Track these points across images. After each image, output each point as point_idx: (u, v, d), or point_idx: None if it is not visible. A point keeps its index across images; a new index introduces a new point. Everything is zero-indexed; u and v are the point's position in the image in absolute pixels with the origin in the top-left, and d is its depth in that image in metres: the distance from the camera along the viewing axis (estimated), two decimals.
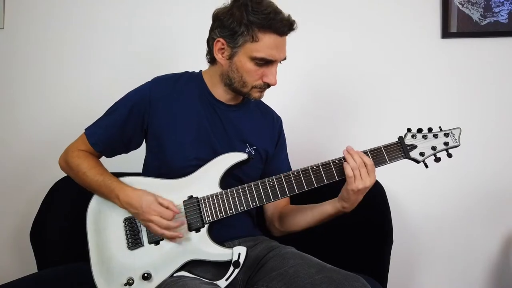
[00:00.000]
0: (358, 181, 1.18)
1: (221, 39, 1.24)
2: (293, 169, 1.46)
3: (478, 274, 1.85)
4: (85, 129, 1.33)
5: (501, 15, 1.79)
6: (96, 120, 1.34)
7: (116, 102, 1.33)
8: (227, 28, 1.21)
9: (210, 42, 1.29)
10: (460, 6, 1.81)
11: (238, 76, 1.25)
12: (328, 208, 1.29)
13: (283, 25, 1.20)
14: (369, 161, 1.19)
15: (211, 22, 1.28)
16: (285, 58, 1.27)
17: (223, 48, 1.24)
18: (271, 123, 1.45)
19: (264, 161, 1.41)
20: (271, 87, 1.28)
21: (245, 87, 1.26)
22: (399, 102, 1.86)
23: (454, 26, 1.81)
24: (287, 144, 1.51)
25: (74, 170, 1.30)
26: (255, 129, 1.38)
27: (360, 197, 1.23)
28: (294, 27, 1.23)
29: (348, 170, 1.18)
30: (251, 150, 1.35)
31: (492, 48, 1.81)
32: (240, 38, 1.20)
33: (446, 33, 1.82)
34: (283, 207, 1.42)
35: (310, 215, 1.33)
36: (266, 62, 1.22)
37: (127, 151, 1.38)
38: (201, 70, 1.39)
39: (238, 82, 1.26)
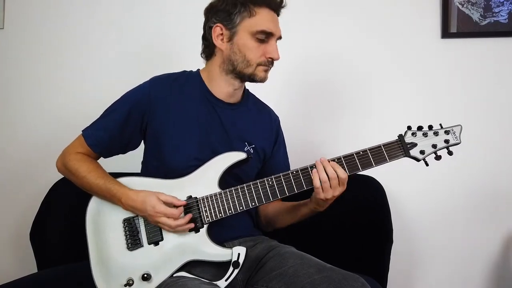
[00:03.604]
0: (326, 192, 1.19)
1: (218, 24, 1.26)
2: (291, 168, 1.47)
3: (478, 274, 1.85)
4: (83, 131, 1.33)
5: (501, 15, 1.79)
6: (94, 121, 1.33)
7: (114, 103, 1.33)
8: (222, 11, 1.26)
9: (207, 33, 1.31)
10: (460, 6, 1.81)
11: (241, 56, 1.26)
12: (304, 210, 1.33)
13: (275, 1, 1.28)
14: (343, 174, 1.18)
15: (204, 17, 1.31)
16: (280, 37, 1.30)
17: (222, 33, 1.27)
18: (269, 122, 1.45)
19: (262, 160, 1.41)
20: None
21: (249, 67, 1.27)
22: (399, 102, 1.86)
23: (454, 26, 1.81)
24: (288, 144, 1.51)
25: (73, 173, 1.29)
26: (254, 127, 1.38)
27: (330, 202, 1.24)
28: (283, 4, 1.30)
29: (316, 182, 1.18)
30: (250, 148, 1.35)
31: (492, 48, 1.81)
32: (237, 16, 1.24)
33: (446, 33, 1.82)
34: (266, 210, 1.44)
35: (290, 218, 1.39)
36: (266, 36, 1.25)
37: (124, 152, 1.37)
38: (198, 69, 1.39)
39: (242, 63, 1.26)
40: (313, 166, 1.21)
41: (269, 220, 1.44)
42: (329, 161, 1.19)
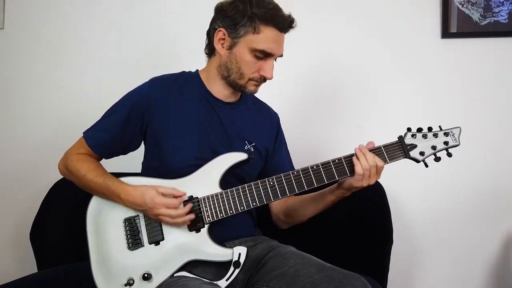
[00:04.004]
0: (365, 180, 1.19)
1: (222, 29, 1.26)
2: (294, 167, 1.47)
3: (478, 274, 1.85)
4: (84, 132, 1.33)
5: (501, 15, 1.79)
6: (95, 123, 1.34)
7: (114, 104, 1.33)
8: (229, 18, 1.24)
9: (211, 32, 1.30)
10: (460, 6, 1.81)
11: (236, 67, 1.26)
12: (330, 197, 1.30)
13: (284, 21, 1.25)
14: (380, 162, 1.20)
15: (213, 14, 1.30)
16: (281, 55, 1.30)
17: (224, 39, 1.27)
18: (269, 120, 1.45)
19: (264, 158, 1.41)
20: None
21: (242, 79, 1.27)
22: (399, 102, 1.86)
23: (454, 26, 1.81)
24: (288, 144, 1.51)
25: (74, 173, 1.30)
26: (254, 126, 1.39)
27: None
28: (293, 25, 1.27)
29: (358, 168, 1.18)
30: (250, 147, 1.35)
31: (492, 48, 1.81)
32: (242, 28, 1.23)
33: (446, 33, 1.82)
34: (287, 202, 1.42)
35: (314, 206, 1.35)
36: (264, 56, 1.25)
37: (125, 153, 1.38)
38: (197, 70, 1.39)
39: (236, 73, 1.27)
40: (313, 166, 1.21)
41: (290, 213, 1.41)
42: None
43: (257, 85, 1.30)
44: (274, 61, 1.29)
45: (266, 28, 1.23)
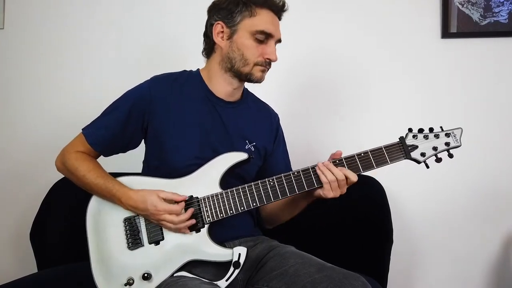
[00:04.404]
0: (328, 192, 1.20)
1: (219, 22, 1.28)
2: (291, 167, 1.47)
3: (478, 274, 1.85)
4: (83, 129, 1.32)
5: (501, 15, 1.79)
6: (94, 120, 1.33)
7: (114, 101, 1.33)
8: (224, 9, 1.27)
9: (208, 31, 1.32)
10: (460, 6, 1.81)
11: (239, 55, 1.27)
12: (303, 203, 1.34)
13: (277, 3, 1.30)
14: (341, 176, 1.19)
15: (207, 15, 1.33)
16: (280, 40, 1.31)
17: (222, 31, 1.29)
18: (269, 120, 1.45)
19: (263, 158, 1.41)
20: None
21: (246, 66, 1.28)
22: (400, 102, 1.86)
23: (454, 26, 1.81)
24: (287, 144, 1.51)
25: (73, 172, 1.29)
26: (254, 125, 1.39)
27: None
28: (285, 8, 1.32)
29: (323, 178, 1.20)
30: (251, 146, 1.35)
31: (492, 48, 1.81)
32: (238, 15, 1.26)
33: (446, 33, 1.82)
34: (265, 208, 1.44)
35: (288, 213, 1.39)
36: (265, 37, 1.27)
37: (125, 151, 1.37)
38: (198, 69, 1.39)
39: (240, 61, 1.27)
40: (314, 167, 1.22)
41: (270, 218, 1.44)
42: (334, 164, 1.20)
43: (264, 71, 1.30)
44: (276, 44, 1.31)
45: (262, 10, 1.26)
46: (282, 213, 1.40)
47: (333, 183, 1.19)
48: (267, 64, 1.29)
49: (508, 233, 1.82)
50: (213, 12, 1.30)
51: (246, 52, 1.27)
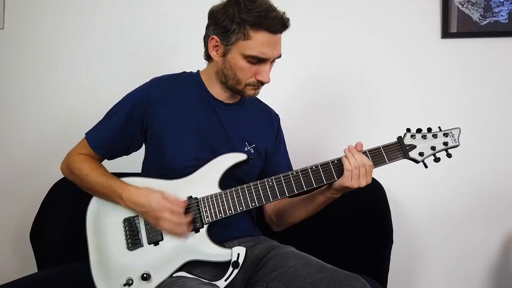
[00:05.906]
0: (355, 179, 1.19)
1: (215, 37, 1.25)
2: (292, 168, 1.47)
3: (478, 274, 1.85)
4: (86, 134, 1.33)
5: (501, 15, 1.79)
6: (96, 124, 1.34)
7: (115, 105, 1.33)
8: (220, 26, 1.22)
9: (205, 39, 1.30)
10: (460, 6, 1.81)
11: (232, 74, 1.26)
12: (320, 199, 1.30)
13: (275, 23, 1.20)
14: (368, 161, 1.19)
15: (207, 19, 1.29)
16: (279, 56, 1.27)
17: (217, 46, 1.26)
18: (270, 121, 1.45)
19: (263, 159, 1.41)
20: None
21: (239, 85, 1.27)
22: (399, 102, 1.86)
23: (454, 26, 1.81)
24: (287, 144, 1.51)
25: (76, 173, 1.30)
26: (254, 127, 1.39)
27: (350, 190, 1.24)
28: (287, 25, 1.23)
29: (346, 165, 1.18)
30: (250, 148, 1.35)
31: (492, 48, 1.81)
32: (232, 35, 1.21)
33: (446, 33, 1.82)
34: (278, 204, 1.42)
35: (304, 209, 1.35)
36: (258, 60, 1.23)
37: (128, 153, 1.38)
38: (198, 70, 1.39)
39: (232, 80, 1.26)
40: (312, 167, 1.22)
41: (281, 215, 1.41)
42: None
43: (256, 89, 1.29)
44: (274, 62, 1.28)
45: (257, 33, 1.19)
46: (296, 210, 1.36)
47: (359, 169, 1.17)
48: (259, 84, 1.27)
49: (508, 233, 1.82)
50: (211, 22, 1.26)
51: (238, 72, 1.25)
